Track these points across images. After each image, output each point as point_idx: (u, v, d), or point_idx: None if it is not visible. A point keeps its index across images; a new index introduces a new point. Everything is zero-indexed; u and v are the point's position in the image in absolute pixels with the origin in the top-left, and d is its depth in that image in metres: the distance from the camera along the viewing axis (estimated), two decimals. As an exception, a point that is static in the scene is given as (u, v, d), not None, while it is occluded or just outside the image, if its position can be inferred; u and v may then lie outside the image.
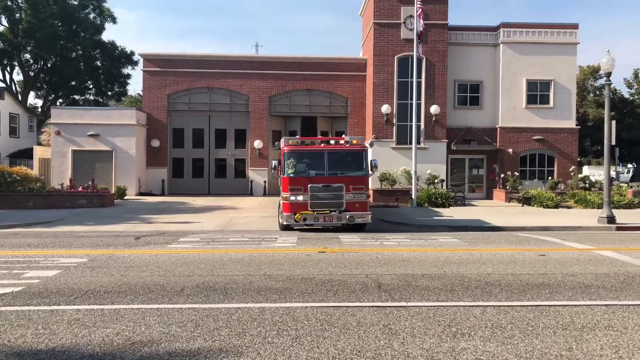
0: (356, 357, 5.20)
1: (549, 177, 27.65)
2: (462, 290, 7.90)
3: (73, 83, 42.05)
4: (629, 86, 38.98)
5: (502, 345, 5.57)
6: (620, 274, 9.19)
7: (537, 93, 28.05)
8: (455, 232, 15.62)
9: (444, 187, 25.90)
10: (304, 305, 6.99)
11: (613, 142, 18.29)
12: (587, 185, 26.41)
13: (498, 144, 27.90)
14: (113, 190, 25.42)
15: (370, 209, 15.78)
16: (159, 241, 13.11)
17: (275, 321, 6.30)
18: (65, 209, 20.78)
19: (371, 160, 15.77)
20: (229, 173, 31.24)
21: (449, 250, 11.83)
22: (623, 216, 18.65)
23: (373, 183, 23.45)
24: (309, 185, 14.92)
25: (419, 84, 25.29)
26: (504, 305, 7.08)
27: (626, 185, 29.84)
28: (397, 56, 27.04)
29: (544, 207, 23.28)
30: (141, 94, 38.30)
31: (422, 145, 26.39)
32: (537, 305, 7.10)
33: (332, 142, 16.41)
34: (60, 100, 44.25)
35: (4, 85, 39.99)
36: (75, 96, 44.48)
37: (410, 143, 24.43)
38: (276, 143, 17.54)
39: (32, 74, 42.51)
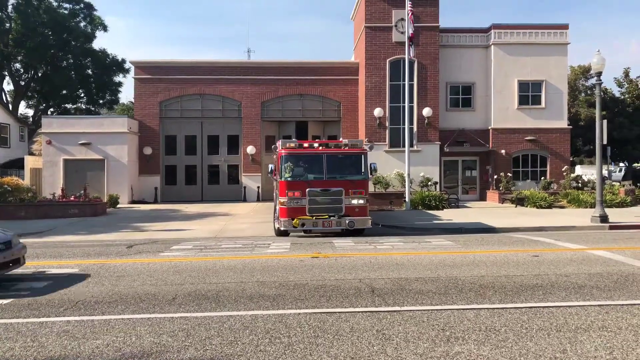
0: (349, 363, 5.15)
1: (542, 178, 27.71)
2: (455, 293, 7.87)
3: (64, 92, 41.78)
4: (620, 85, 39.14)
5: (496, 348, 5.54)
6: (613, 274, 9.19)
7: (529, 94, 28.14)
8: (449, 235, 15.60)
9: (438, 189, 25.90)
10: (296, 312, 6.94)
11: (605, 142, 18.39)
12: (579, 184, 26.51)
13: (491, 145, 27.96)
14: (105, 199, 25.23)
15: None
16: (151, 249, 13.00)
17: (268, 329, 6.25)
18: (57, 219, 20.62)
19: (371, 164, 15.26)
20: (222, 179, 31.12)
21: (442, 253, 11.82)
22: (616, 215, 18.73)
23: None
24: (307, 190, 14.52)
25: (411, 86, 25.33)
26: (498, 308, 7.06)
27: (618, 184, 29.96)
28: (389, 59, 27.08)
29: (537, 208, 23.34)
30: (133, 101, 38.13)
31: (415, 147, 26.40)
32: (531, 307, 7.09)
33: (330, 145, 16.05)
34: (52, 109, 43.96)
35: (-6, 95, 39.78)
36: (66, 105, 44.19)
37: (403, 146, 24.43)
38: (272, 147, 17.30)
39: (22, 83, 42.23)
